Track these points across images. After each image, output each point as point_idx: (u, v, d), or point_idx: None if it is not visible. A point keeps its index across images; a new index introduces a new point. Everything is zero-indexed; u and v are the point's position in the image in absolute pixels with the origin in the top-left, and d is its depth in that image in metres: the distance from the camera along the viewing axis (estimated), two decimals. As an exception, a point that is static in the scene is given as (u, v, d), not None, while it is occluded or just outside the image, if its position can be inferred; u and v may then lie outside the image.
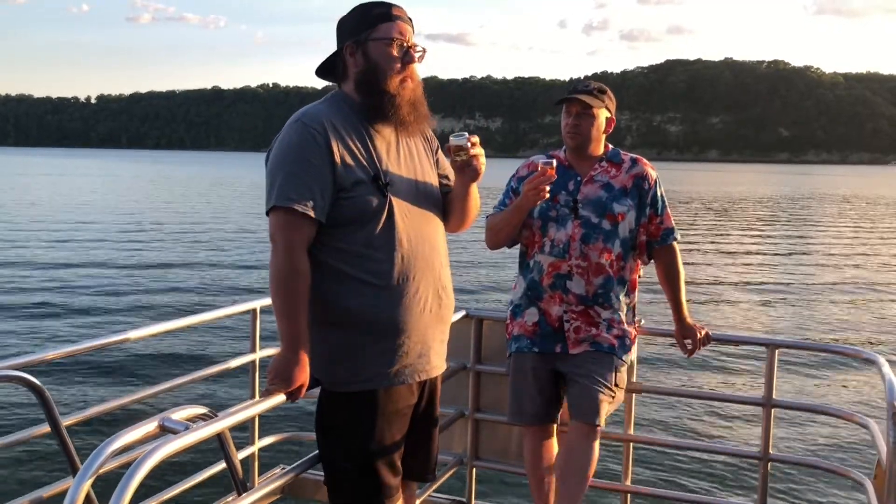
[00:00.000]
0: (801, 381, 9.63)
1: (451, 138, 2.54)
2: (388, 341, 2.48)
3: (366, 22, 2.48)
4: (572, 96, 3.37)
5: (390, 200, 2.45)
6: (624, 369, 3.38)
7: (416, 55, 2.51)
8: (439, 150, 2.75)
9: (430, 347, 2.59)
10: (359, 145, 2.46)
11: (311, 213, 2.36)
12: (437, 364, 2.65)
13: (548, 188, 3.19)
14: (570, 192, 3.38)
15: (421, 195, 2.58)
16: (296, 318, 2.37)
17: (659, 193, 3.44)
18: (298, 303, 2.36)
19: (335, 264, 2.45)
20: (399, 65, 2.48)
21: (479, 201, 2.77)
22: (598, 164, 3.43)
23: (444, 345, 2.70)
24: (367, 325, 2.46)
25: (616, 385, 3.32)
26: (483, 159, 2.57)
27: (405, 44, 2.49)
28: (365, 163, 2.45)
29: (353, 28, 2.51)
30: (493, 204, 3.56)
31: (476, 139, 2.54)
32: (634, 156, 3.50)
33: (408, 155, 2.59)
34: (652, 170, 3.45)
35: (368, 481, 2.51)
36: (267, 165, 2.47)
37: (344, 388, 2.50)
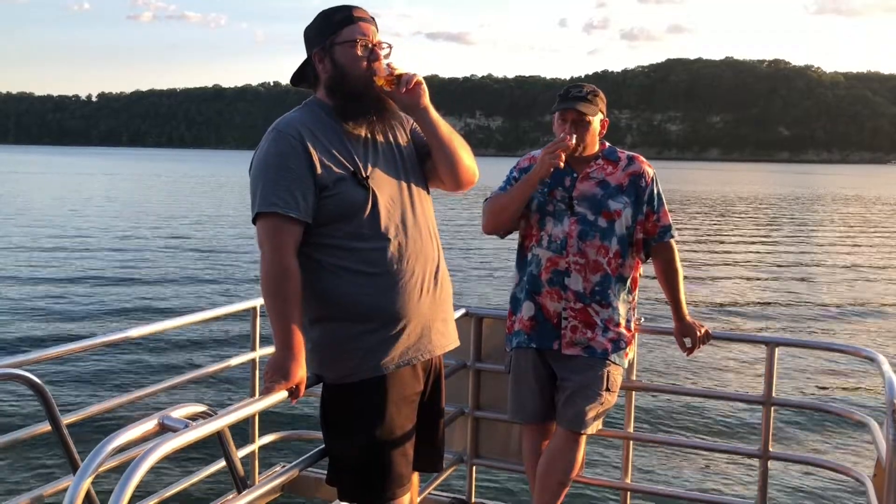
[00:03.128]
0: (800, 380, 9.63)
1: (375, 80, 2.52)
2: (388, 328, 2.51)
3: (329, 28, 2.55)
4: (569, 106, 3.35)
5: (373, 192, 2.50)
6: (618, 371, 3.38)
7: (382, 53, 2.56)
8: (414, 125, 2.74)
9: (431, 328, 2.62)
10: (336, 144, 2.52)
11: (295, 215, 2.42)
12: (440, 343, 2.67)
13: (563, 157, 3.20)
14: (566, 189, 3.38)
15: (404, 182, 2.62)
16: (289, 318, 2.40)
17: (656, 191, 3.43)
18: (290, 303, 2.40)
19: (327, 259, 2.49)
20: (365, 63, 2.53)
21: (463, 140, 2.70)
22: (594, 162, 3.43)
23: (448, 324, 2.72)
24: (363, 314, 2.49)
25: (608, 389, 3.34)
26: (412, 73, 2.54)
27: (369, 43, 2.54)
28: (343, 160, 2.50)
29: (317, 35, 2.57)
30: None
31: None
32: (631, 153, 3.50)
33: (385, 146, 2.63)
34: (649, 167, 3.45)
35: (379, 471, 2.53)
36: (249, 177, 2.53)
37: (349, 378, 2.52)
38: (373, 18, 2.59)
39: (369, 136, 2.59)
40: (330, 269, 2.49)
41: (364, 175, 2.50)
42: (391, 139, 2.66)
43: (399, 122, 2.70)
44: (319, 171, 2.45)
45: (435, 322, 2.63)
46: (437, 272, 2.64)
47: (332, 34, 2.53)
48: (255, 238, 2.49)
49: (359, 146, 2.56)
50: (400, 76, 2.53)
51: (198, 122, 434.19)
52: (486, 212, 3.48)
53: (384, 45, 2.57)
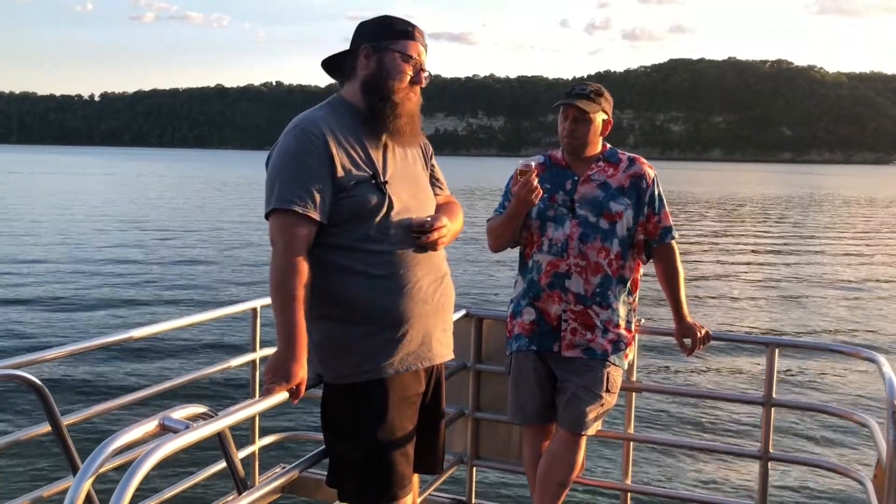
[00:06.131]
0: (801, 381, 9.63)
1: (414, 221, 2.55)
2: (390, 331, 2.53)
3: (389, 32, 2.59)
4: (569, 102, 3.37)
5: (389, 197, 2.52)
6: (618, 372, 3.39)
7: (424, 78, 2.62)
8: (433, 157, 2.86)
9: (432, 336, 2.63)
10: (357, 147, 2.53)
11: (311, 214, 2.42)
12: (440, 352, 2.69)
13: (538, 187, 3.21)
14: (567, 192, 3.39)
15: (418, 191, 2.66)
16: (294, 317, 2.40)
17: (657, 192, 3.44)
18: (297, 301, 2.40)
19: (335, 259, 2.50)
20: (408, 82, 2.58)
21: (462, 222, 2.82)
22: (595, 164, 3.44)
23: (447, 334, 2.74)
24: (368, 315, 2.51)
25: (608, 391, 3.34)
26: (437, 237, 2.58)
27: (419, 65, 2.60)
28: (363, 164, 2.52)
29: (374, 33, 2.60)
30: (494, 206, 3.57)
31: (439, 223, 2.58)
32: (632, 155, 3.50)
33: (403, 156, 2.66)
34: (650, 168, 3.46)
35: (381, 472, 2.54)
36: (267, 172, 2.53)
37: (350, 380, 2.53)
38: (427, 45, 2.66)
39: (389, 142, 2.61)
40: (337, 269, 2.50)
41: (383, 180, 2.52)
42: (409, 154, 2.70)
43: (419, 145, 2.76)
44: (340, 172, 2.46)
45: (436, 330, 2.65)
46: (442, 282, 2.66)
47: (390, 39, 2.57)
48: (268, 234, 2.48)
49: (379, 151, 2.58)
50: (426, 231, 2.55)
51: (200, 123, 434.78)
52: (488, 234, 3.52)
53: (427, 73, 2.63)
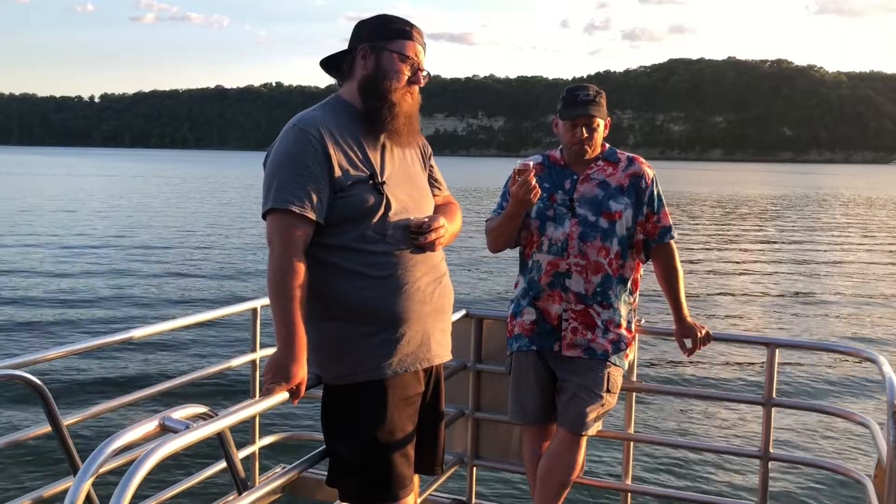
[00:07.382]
0: (801, 381, 9.62)
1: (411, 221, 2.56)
2: (388, 331, 2.53)
3: (387, 32, 2.59)
4: (583, 112, 3.33)
5: (387, 197, 2.52)
6: (618, 372, 3.39)
7: (423, 78, 2.62)
8: (432, 157, 2.86)
9: (431, 336, 2.63)
10: (354, 148, 2.53)
11: (308, 214, 2.42)
12: (439, 353, 2.69)
13: (536, 186, 3.19)
14: (566, 191, 3.39)
15: (415, 192, 2.66)
16: (293, 317, 2.40)
17: (656, 192, 3.44)
18: (295, 301, 2.40)
19: (333, 260, 2.51)
20: (405, 82, 2.57)
21: (460, 223, 2.83)
22: (594, 163, 3.44)
23: (446, 335, 2.75)
24: (366, 315, 2.51)
25: (608, 391, 3.34)
26: (435, 237, 2.58)
27: (416, 65, 2.60)
28: (360, 164, 2.52)
29: (372, 33, 2.60)
30: (494, 206, 3.57)
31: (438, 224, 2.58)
32: (631, 154, 3.50)
33: (401, 156, 2.66)
34: (649, 168, 3.45)
35: (381, 473, 2.54)
36: (264, 171, 2.53)
37: (349, 380, 2.53)
38: (426, 44, 2.65)
39: (387, 143, 2.61)
40: (334, 269, 2.50)
41: (380, 180, 2.52)
42: (408, 154, 2.70)
43: (418, 145, 2.76)
44: (338, 172, 2.46)
45: (434, 331, 2.65)
46: (440, 282, 2.66)
47: (387, 39, 2.57)
48: (265, 234, 2.48)
49: (376, 152, 2.58)
50: (424, 231, 2.55)
51: (200, 123, 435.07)
52: (487, 235, 3.51)
53: (425, 73, 2.63)
